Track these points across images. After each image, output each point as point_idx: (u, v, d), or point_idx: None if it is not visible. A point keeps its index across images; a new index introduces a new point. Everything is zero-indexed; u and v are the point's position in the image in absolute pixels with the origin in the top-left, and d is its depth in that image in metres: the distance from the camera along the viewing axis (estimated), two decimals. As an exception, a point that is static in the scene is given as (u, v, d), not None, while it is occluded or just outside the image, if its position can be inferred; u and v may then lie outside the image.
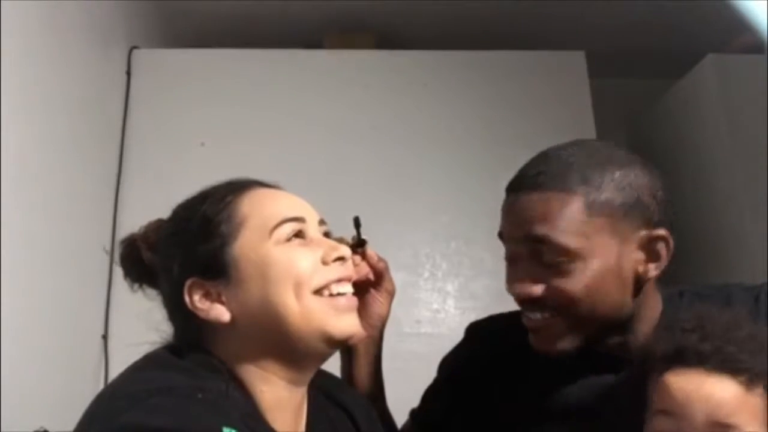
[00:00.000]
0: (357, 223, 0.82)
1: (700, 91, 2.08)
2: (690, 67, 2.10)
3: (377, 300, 0.84)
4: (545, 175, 0.71)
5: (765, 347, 0.60)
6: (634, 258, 0.72)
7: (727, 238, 1.96)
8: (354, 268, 0.74)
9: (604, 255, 0.70)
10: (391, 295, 0.85)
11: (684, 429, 0.58)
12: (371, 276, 0.82)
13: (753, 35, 1.88)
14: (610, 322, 0.73)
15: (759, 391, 0.58)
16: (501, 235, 0.77)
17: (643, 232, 0.71)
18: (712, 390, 0.58)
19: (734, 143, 1.95)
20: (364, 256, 0.82)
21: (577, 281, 0.69)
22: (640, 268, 0.72)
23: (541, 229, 0.70)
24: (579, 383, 0.78)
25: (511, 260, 0.76)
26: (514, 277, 0.74)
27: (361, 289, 0.81)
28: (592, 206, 0.70)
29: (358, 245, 0.81)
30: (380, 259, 0.83)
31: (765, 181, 1.83)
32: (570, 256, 0.69)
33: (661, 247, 0.72)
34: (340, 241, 0.75)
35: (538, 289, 0.71)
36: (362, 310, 0.81)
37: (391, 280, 0.85)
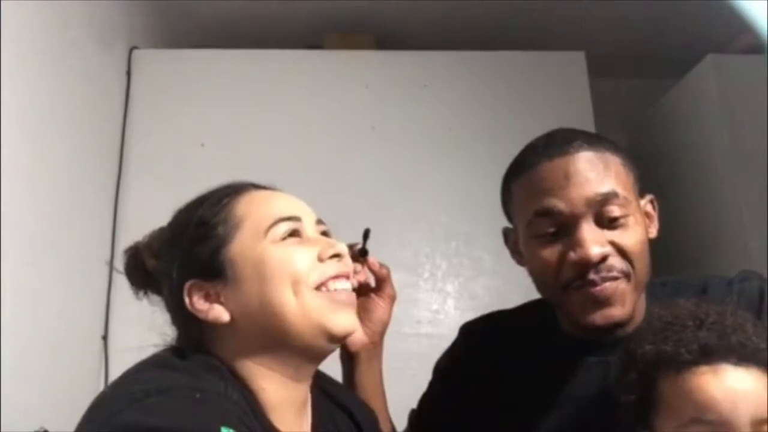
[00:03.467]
0: (366, 235, 0.83)
1: (700, 91, 2.08)
2: (690, 67, 2.10)
3: (379, 305, 0.84)
4: (581, 141, 0.75)
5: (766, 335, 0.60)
6: (643, 218, 0.77)
7: (727, 238, 1.96)
8: (354, 275, 0.74)
9: (639, 211, 0.75)
10: (393, 300, 0.85)
11: (731, 428, 0.56)
12: (371, 282, 0.83)
13: (753, 35, 1.88)
14: (644, 286, 0.76)
15: None
16: (548, 211, 0.73)
17: (643, 196, 0.79)
18: (754, 386, 0.57)
19: (734, 143, 1.95)
20: (365, 264, 0.82)
21: (635, 234, 0.73)
22: (646, 227, 0.77)
23: (609, 185, 0.72)
24: (575, 372, 0.79)
25: (571, 226, 0.73)
26: (582, 241, 0.72)
27: (362, 294, 0.82)
28: (625, 166, 0.75)
29: (361, 254, 0.81)
30: (382, 266, 0.84)
31: (765, 181, 1.83)
32: (629, 210, 0.73)
33: (651, 208, 0.80)
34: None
35: (608, 248, 0.72)
36: (364, 315, 0.82)
37: (392, 286, 0.85)
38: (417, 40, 2.32)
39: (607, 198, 0.72)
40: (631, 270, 0.73)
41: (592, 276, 0.72)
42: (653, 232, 0.79)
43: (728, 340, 0.59)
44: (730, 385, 0.57)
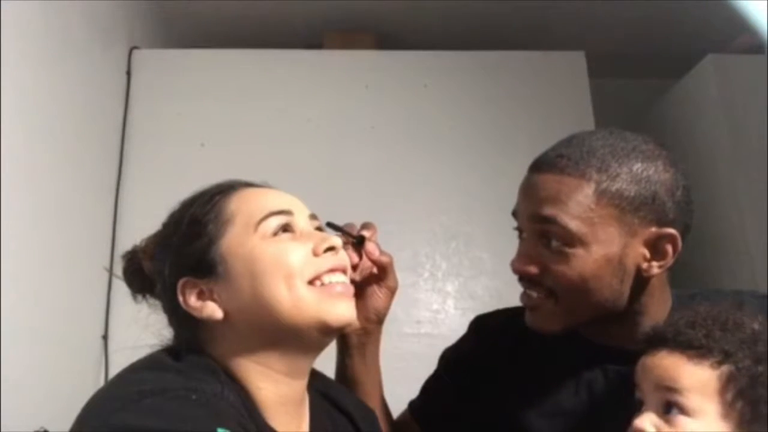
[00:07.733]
0: (334, 226, 0.80)
1: (700, 91, 2.08)
2: (690, 67, 2.11)
3: (377, 294, 0.82)
4: (565, 159, 0.72)
5: (752, 334, 0.63)
6: (638, 252, 0.71)
7: (727, 238, 1.96)
8: (353, 270, 0.74)
9: (606, 244, 0.70)
10: (392, 291, 0.83)
11: (642, 396, 0.65)
12: (374, 270, 0.81)
13: (753, 35, 1.88)
14: (604, 311, 0.73)
15: (709, 365, 0.61)
16: (515, 213, 0.78)
17: (653, 229, 0.71)
18: (661, 361, 0.64)
19: (734, 143, 1.95)
20: (363, 254, 0.79)
21: (575, 267, 0.70)
22: (643, 264, 0.72)
23: (549, 210, 0.71)
24: (584, 377, 0.78)
25: (520, 236, 0.78)
26: (518, 253, 0.76)
27: (365, 283, 0.81)
28: (603, 194, 0.70)
29: (358, 243, 0.79)
30: (383, 253, 0.81)
31: (765, 181, 1.83)
32: (572, 240, 0.70)
33: (667, 246, 0.71)
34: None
35: (535, 269, 0.73)
36: (359, 302, 0.80)
37: (394, 276, 0.83)
38: (417, 40, 2.33)
39: (545, 222, 0.71)
40: (562, 295, 0.72)
41: (521, 283, 0.77)
42: (654, 268, 0.72)
43: (669, 332, 0.65)
44: (648, 360, 0.65)
